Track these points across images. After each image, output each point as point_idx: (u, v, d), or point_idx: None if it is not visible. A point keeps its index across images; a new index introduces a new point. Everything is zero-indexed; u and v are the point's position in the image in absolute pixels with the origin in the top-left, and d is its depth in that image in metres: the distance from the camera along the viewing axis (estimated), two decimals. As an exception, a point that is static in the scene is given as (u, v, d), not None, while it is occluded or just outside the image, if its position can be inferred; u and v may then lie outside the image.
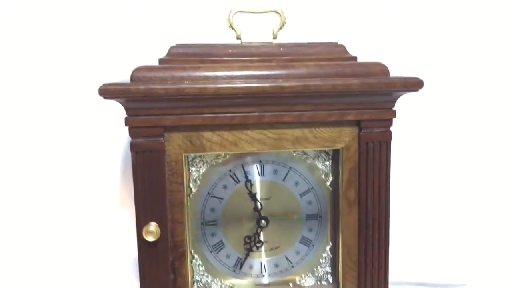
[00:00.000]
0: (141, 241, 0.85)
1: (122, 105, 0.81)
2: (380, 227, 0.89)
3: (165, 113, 0.82)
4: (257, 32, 0.97)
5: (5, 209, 1.22)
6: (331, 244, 0.95)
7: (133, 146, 0.82)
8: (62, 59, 1.19)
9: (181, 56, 0.87)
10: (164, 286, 0.87)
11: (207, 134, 0.85)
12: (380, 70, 0.85)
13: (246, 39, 0.93)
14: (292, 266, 0.96)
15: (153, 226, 0.84)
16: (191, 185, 0.90)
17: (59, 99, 1.20)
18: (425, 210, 1.31)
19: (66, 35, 1.18)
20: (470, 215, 1.32)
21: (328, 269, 0.96)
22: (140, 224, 0.84)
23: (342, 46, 0.92)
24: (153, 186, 0.84)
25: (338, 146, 0.88)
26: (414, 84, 0.83)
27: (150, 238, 0.83)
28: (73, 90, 1.20)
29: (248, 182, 0.91)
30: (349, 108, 0.85)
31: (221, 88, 0.79)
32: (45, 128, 1.21)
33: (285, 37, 0.94)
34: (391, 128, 0.87)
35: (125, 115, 0.82)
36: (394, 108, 0.86)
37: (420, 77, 0.83)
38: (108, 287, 1.23)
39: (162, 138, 0.83)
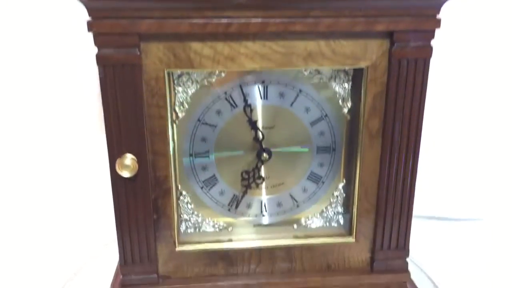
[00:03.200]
0: (115, 176, 0.70)
1: (84, 4, 0.62)
2: (406, 165, 0.74)
3: (141, 15, 0.63)
4: None
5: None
6: (344, 181, 0.80)
7: (99, 59, 0.64)
8: None
9: None
10: (145, 228, 0.73)
11: (196, 46, 0.66)
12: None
13: None
14: (298, 206, 0.82)
15: (129, 159, 0.68)
16: (177, 109, 0.73)
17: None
18: (440, 140, 1.16)
19: None
20: (488, 147, 1.18)
21: (339, 209, 0.82)
22: (113, 157, 0.69)
23: None
24: (127, 110, 0.67)
25: (362, 64, 0.69)
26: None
27: (125, 174, 0.68)
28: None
29: (248, 106, 0.74)
30: (379, 14, 0.66)
31: (213, -17, 0.60)
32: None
33: None
34: (432, 43, 0.68)
35: (88, 18, 0.63)
36: (438, 16, 0.66)
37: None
38: (89, 218, 1.12)
39: (137, 50, 0.64)
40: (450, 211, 1.19)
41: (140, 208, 0.72)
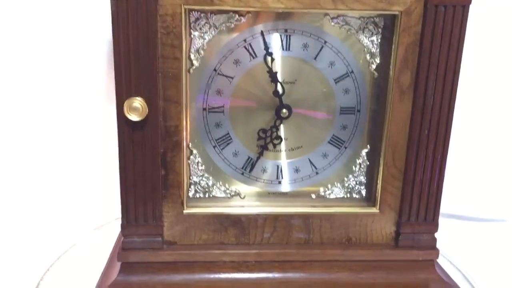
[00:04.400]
0: (122, 121, 0.64)
1: None
2: (440, 124, 0.68)
3: None
4: None
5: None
6: (369, 147, 0.74)
7: (112, -13, 0.59)
8: None
9: None
10: (151, 184, 0.67)
11: (217, -21, 0.61)
12: None
13: None
14: (317, 173, 0.75)
15: (138, 101, 0.62)
16: (192, 56, 0.67)
17: None
18: (464, 141, 1.10)
19: None
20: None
21: (362, 178, 0.75)
22: (121, 99, 0.63)
23: None
24: (139, 49, 0.62)
25: (396, 9, 0.64)
26: None
27: (134, 117, 0.62)
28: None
29: (269, 55, 0.68)
30: (416, -47, 0.61)
31: None
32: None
33: None
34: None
35: None
36: (481, -44, 0.62)
37: None
38: (93, 195, 1.05)
39: (153, -21, 0.59)
40: (472, 211, 1.13)
41: (148, 161, 0.66)
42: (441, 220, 0.75)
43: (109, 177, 1.05)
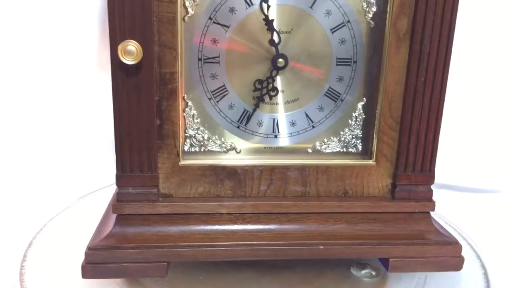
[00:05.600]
0: (116, 66, 0.62)
1: None
2: (437, 71, 0.67)
3: None
4: None
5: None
6: (365, 100, 0.74)
7: None
8: None
9: None
10: (147, 133, 0.66)
11: None
12: None
13: None
14: (313, 126, 0.75)
15: (133, 44, 0.61)
16: (187, 3, 0.66)
17: None
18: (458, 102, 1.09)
19: None
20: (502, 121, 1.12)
21: (358, 132, 0.75)
22: (115, 43, 0.61)
23: None
24: (133, -10, 0.60)
25: (393, -48, 0.64)
26: None
27: (128, 60, 0.61)
28: None
29: (265, 2, 0.67)
30: None
31: None
32: None
33: None
34: None
35: None
36: None
37: None
38: (86, 162, 1.03)
39: None
40: (466, 182, 1.13)
41: (143, 109, 0.65)
42: (434, 191, 0.74)
43: (102, 143, 1.04)
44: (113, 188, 0.88)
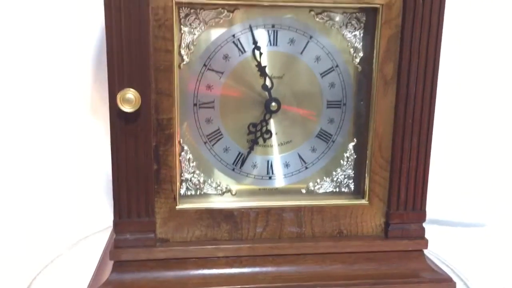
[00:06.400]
0: (114, 114, 0.64)
1: None
2: (423, 113, 0.70)
3: None
4: None
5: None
6: (355, 141, 0.76)
7: (105, -22, 0.60)
8: None
9: None
10: (144, 178, 0.67)
11: (207, -27, 0.63)
12: None
13: None
14: (306, 167, 0.77)
15: (131, 92, 0.62)
16: (182, 52, 0.68)
17: None
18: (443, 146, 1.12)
19: None
20: (489, 151, 1.15)
21: (350, 172, 0.77)
22: (113, 91, 0.63)
23: None
24: (132, 40, 0.63)
25: (377, 2, 0.67)
26: None
27: (127, 108, 0.62)
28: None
29: (257, 49, 0.70)
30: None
31: None
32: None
33: None
34: None
35: None
36: (454, -48, 0.66)
37: None
38: (78, 207, 1.02)
39: (146, -28, 0.61)
40: (451, 216, 1.14)
41: (140, 154, 0.66)
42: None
43: (95, 187, 1.03)
44: (107, 232, 0.88)
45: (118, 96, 0.62)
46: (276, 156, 0.76)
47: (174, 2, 0.63)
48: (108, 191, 0.99)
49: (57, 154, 1.05)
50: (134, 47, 0.63)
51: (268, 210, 0.72)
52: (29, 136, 1.04)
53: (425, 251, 0.77)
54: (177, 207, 0.70)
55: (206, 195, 0.74)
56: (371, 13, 0.70)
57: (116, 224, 0.67)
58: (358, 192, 0.77)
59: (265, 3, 0.67)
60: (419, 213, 0.75)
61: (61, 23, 0.98)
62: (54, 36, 1.00)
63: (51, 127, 1.04)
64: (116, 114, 0.64)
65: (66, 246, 0.90)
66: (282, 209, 0.73)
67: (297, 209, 0.73)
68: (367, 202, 0.74)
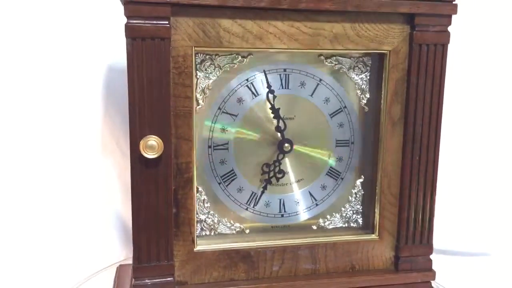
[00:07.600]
0: (135, 161, 0.64)
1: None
2: (429, 152, 0.74)
3: (173, -13, 0.62)
4: None
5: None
6: (363, 178, 0.79)
7: (129, 30, 0.62)
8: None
9: None
10: (164, 223, 0.67)
11: (226, 23, 0.65)
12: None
13: None
14: (317, 204, 0.79)
15: (153, 139, 0.63)
16: (198, 96, 0.70)
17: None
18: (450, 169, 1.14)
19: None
20: (493, 180, 1.18)
21: (358, 207, 0.79)
22: (135, 138, 0.64)
23: None
24: (153, 88, 0.64)
25: (385, 48, 0.71)
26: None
27: (150, 155, 0.63)
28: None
29: (271, 93, 0.72)
30: (402, -3, 0.69)
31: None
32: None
33: None
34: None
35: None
36: (455, 2, 0.70)
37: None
38: (87, 247, 1.00)
39: (167, 22, 0.63)
40: (456, 245, 1.15)
41: (160, 199, 0.66)
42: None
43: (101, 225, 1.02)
44: (112, 269, 0.87)
45: (141, 143, 0.63)
46: (288, 195, 0.77)
47: (193, 50, 0.65)
48: (116, 227, 0.99)
49: (64, 188, 1.03)
50: (155, 95, 0.64)
51: (284, 249, 0.74)
52: (37, 168, 1.01)
53: (433, 282, 0.80)
54: (195, 249, 0.70)
55: (220, 234, 0.75)
56: (377, 57, 0.74)
57: (135, 269, 0.67)
58: (367, 227, 0.79)
59: (282, 50, 0.70)
60: (427, 246, 0.77)
61: (71, 57, 0.97)
62: (62, 71, 0.98)
63: (59, 161, 1.01)
64: (137, 160, 0.64)
65: (75, 282, 0.89)
66: (297, 247, 0.74)
67: (312, 246, 0.75)
68: (377, 237, 0.77)
